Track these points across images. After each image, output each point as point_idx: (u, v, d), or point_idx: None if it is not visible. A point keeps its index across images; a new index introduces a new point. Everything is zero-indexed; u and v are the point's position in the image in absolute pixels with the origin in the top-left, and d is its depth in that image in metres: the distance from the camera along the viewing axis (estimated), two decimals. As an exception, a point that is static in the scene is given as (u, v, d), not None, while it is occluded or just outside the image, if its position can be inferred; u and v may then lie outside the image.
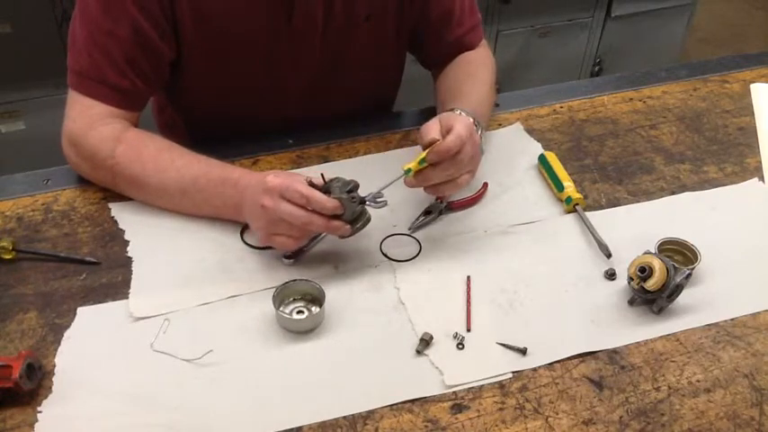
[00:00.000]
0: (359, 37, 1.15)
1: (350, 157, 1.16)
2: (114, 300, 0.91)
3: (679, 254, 0.98)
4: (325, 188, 0.90)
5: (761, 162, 1.18)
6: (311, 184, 0.90)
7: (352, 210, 0.90)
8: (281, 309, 0.89)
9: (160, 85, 1.12)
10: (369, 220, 0.93)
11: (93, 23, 1.01)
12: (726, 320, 0.91)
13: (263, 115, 1.18)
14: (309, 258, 0.97)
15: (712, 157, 1.19)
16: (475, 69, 1.20)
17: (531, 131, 1.23)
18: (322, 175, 0.92)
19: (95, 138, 1.02)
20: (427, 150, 0.92)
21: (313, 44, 1.13)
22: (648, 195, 1.11)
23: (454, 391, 0.82)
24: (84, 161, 1.05)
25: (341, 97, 1.22)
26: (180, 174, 0.99)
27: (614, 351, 0.87)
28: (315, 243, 0.98)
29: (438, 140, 0.92)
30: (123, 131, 1.03)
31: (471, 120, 0.99)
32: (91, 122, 1.02)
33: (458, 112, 1.00)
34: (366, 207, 0.93)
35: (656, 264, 0.88)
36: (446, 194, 1.02)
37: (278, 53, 1.12)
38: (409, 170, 0.93)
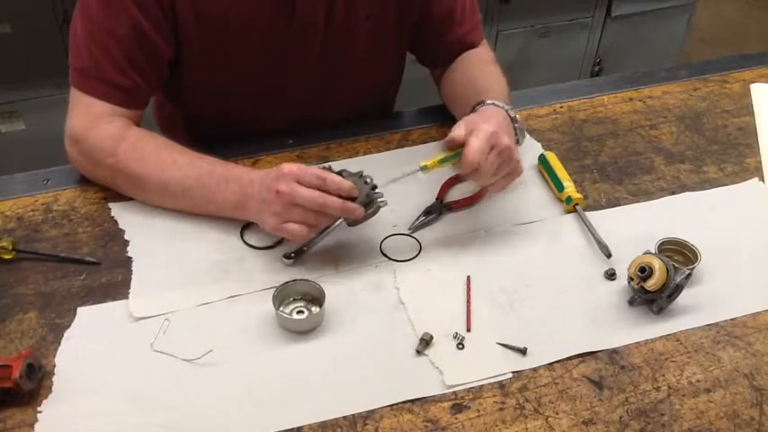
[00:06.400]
0: (359, 37, 1.15)
1: (350, 157, 1.16)
2: (114, 300, 0.91)
3: (679, 254, 0.98)
4: (337, 174, 0.92)
5: (761, 162, 1.18)
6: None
7: (365, 193, 0.92)
8: (281, 309, 0.89)
9: (160, 83, 1.12)
10: (378, 208, 0.94)
11: (94, 22, 1.01)
12: (726, 320, 0.91)
13: (263, 115, 1.18)
14: (309, 258, 0.97)
15: (712, 157, 1.19)
16: (486, 65, 1.20)
17: (531, 131, 1.23)
18: (330, 166, 0.94)
19: (97, 136, 1.02)
20: (447, 155, 0.93)
21: (314, 44, 1.13)
22: (648, 195, 1.11)
23: (454, 391, 0.82)
24: (85, 159, 1.04)
25: (341, 97, 1.22)
26: (182, 172, 0.99)
27: (614, 351, 0.87)
28: (316, 242, 0.98)
29: (458, 137, 0.93)
30: (125, 130, 1.03)
31: (503, 110, 1.02)
32: (93, 121, 1.02)
33: (489, 103, 1.02)
34: (376, 197, 0.93)
35: (656, 264, 0.88)
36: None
37: (279, 53, 1.12)
38: (425, 167, 0.93)
